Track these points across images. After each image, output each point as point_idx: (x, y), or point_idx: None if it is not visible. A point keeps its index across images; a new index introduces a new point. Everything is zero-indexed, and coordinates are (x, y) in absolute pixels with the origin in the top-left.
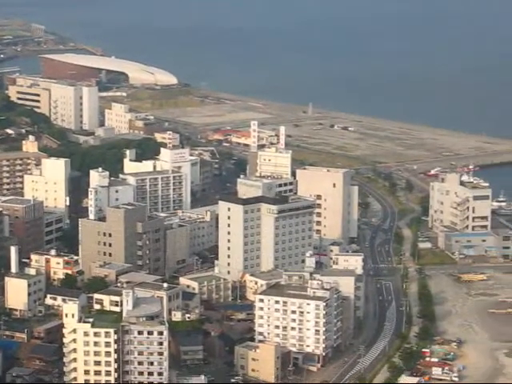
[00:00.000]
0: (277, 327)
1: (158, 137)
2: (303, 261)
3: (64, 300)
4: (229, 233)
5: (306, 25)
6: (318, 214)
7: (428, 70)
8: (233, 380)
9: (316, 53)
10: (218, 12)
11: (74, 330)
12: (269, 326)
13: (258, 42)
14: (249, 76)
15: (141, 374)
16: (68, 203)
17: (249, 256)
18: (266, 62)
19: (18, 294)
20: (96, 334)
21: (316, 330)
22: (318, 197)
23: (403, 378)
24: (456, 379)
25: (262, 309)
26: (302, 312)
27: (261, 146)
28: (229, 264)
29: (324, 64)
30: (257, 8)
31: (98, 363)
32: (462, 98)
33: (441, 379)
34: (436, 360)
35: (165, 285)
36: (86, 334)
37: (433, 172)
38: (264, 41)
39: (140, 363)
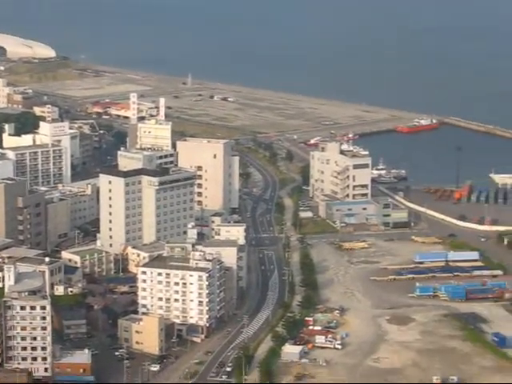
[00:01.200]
0: (160, 299)
1: (37, 110)
2: (185, 232)
3: None
4: (110, 206)
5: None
6: (199, 186)
7: (308, 41)
8: (117, 353)
9: (194, 23)
10: None
11: None
12: (152, 298)
13: (138, 14)
14: (128, 48)
15: (24, 349)
16: None
17: (130, 229)
18: (145, 33)
19: None
20: None
21: (199, 301)
22: (199, 168)
23: (287, 347)
24: (339, 347)
25: (144, 281)
26: (184, 283)
27: (141, 118)
28: (111, 237)
29: (203, 35)
30: None
31: None
32: (340, 68)
33: (324, 347)
34: (319, 328)
35: (46, 259)
36: None
37: (313, 141)
38: (145, 13)
39: (23, 338)
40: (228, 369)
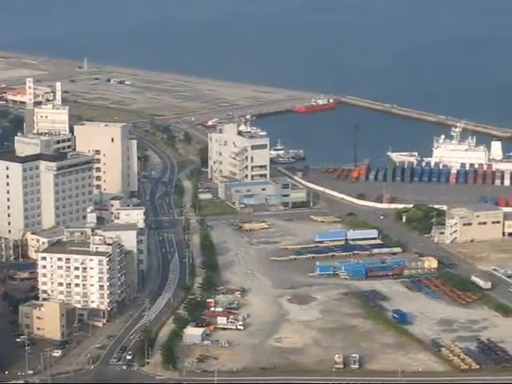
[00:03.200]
0: (61, 284)
1: None
2: (84, 217)
3: None
4: (8, 192)
5: None
6: (98, 169)
7: (202, 19)
8: (18, 339)
9: (88, 4)
10: None
11: None
12: (53, 283)
13: None
14: (22, 31)
15: None
16: None
17: (29, 214)
18: (39, 15)
19: None
20: None
21: (100, 286)
22: (97, 152)
23: (189, 329)
24: (241, 328)
25: (44, 267)
26: (85, 268)
27: (37, 103)
28: (9, 223)
29: (97, 17)
30: None
31: None
32: (234, 47)
33: (226, 328)
34: (221, 310)
35: None
36: None
37: (210, 123)
38: None
39: None
40: (129, 356)
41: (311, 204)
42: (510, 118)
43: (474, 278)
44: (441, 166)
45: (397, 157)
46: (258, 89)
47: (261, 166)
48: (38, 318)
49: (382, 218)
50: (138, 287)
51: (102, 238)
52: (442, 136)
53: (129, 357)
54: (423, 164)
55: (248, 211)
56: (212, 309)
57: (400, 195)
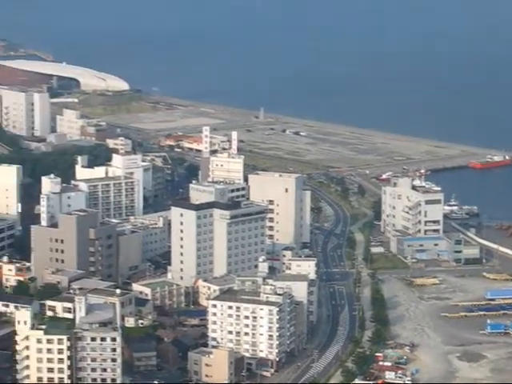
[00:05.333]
0: (230, 332)
1: (110, 143)
2: (256, 266)
3: (16, 307)
4: (181, 238)
5: (254, 28)
6: (271, 219)
7: (379, 73)
8: None
9: (266, 56)
10: (167, 16)
11: (27, 337)
12: (222, 331)
13: (210, 47)
14: (201, 81)
15: (94, 380)
16: (20, 210)
17: (201, 261)
18: (217, 66)
19: None
20: (49, 341)
21: (269, 335)
22: (271, 202)
23: (357, 383)
24: (409, 383)
25: (215, 314)
26: (255, 317)
27: (213, 152)
28: (182, 270)
29: (274, 68)
30: (205, 12)
31: (51, 370)
32: (412, 103)
33: (394, 383)
34: (389, 364)
35: (117, 291)
36: (38, 341)
37: (384, 176)
38: (215, 45)
39: (93, 370)
40: None
41: (484, 261)
42: None
43: None
44: None
45: None
46: (432, 143)
47: (434, 221)
48: (207, 365)
49: None
50: (307, 338)
51: (272, 287)
52: None
53: None
54: None
55: (420, 266)
56: (380, 363)
57: None
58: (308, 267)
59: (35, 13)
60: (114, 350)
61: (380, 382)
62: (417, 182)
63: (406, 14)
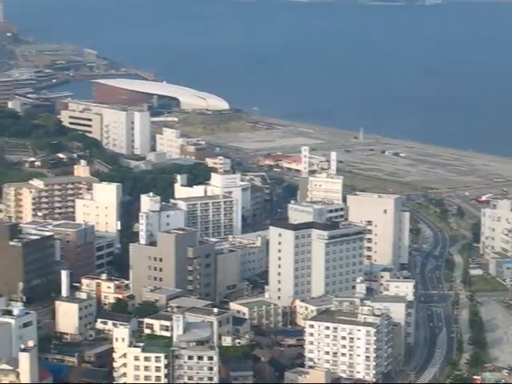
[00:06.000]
0: (327, 353)
1: (210, 162)
2: (354, 287)
3: (115, 324)
4: (279, 258)
5: (355, 48)
6: (369, 240)
7: (480, 93)
8: None
9: (366, 75)
10: (268, 35)
11: (125, 355)
12: (319, 351)
13: (310, 65)
14: (300, 101)
15: None
16: (119, 228)
17: (299, 281)
18: (317, 86)
19: (68, 318)
20: (146, 359)
21: (366, 357)
22: (369, 223)
23: None
24: None
25: (312, 334)
26: (352, 338)
27: (312, 172)
28: (279, 289)
29: (374, 88)
30: (309, 31)
31: None
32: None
33: None
34: None
35: (215, 310)
36: (136, 358)
37: (484, 198)
38: (316, 64)
39: None
40: None
41: None
42: None
43: None
44: None
45: None
46: None
47: None
48: None
49: None
50: (405, 360)
51: (370, 308)
52: None
53: None
54: None
55: None
56: None
57: None
58: (406, 288)
59: (137, 33)
60: (210, 368)
61: None
62: None
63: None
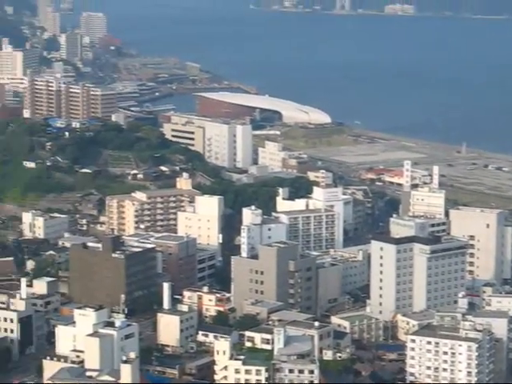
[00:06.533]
0: (428, 368)
1: (311, 175)
2: (455, 301)
3: (216, 337)
4: (381, 272)
5: (454, 61)
6: (471, 255)
7: None
8: None
9: (467, 89)
10: (368, 48)
11: (226, 367)
12: (420, 366)
13: (411, 80)
14: (402, 115)
15: None
16: (221, 240)
17: (401, 296)
18: (419, 100)
19: (170, 330)
20: (247, 372)
21: (468, 372)
22: (471, 237)
23: None
24: None
25: (413, 349)
26: (453, 353)
27: (414, 186)
28: (380, 304)
29: (477, 101)
30: (408, 44)
31: None
32: None
33: None
34: None
35: (316, 323)
36: (237, 371)
37: None
38: (417, 79)
39: None
40: None
41: None
42: None
43: None
44: None
45: None
46: None
47: None
48: None
49: None
50: (506, 376)
51: (472, 323)
52: None
53: None
54: None
55: None
56: None
57: None
58: (508, 304)
59: (240, 47)
60: (311, 382)
61: None
62: None
63: None
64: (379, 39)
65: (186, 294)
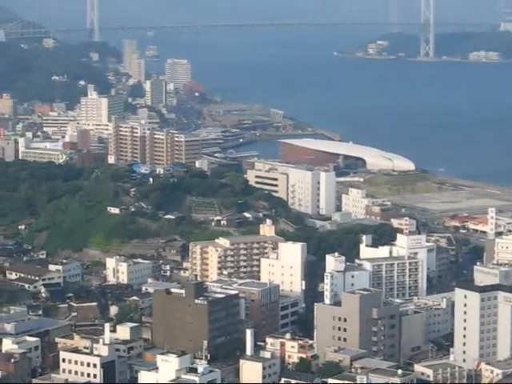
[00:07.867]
0: None
1: (395, 222)
2: None
3: None
4: (465, 320)
5: None
6: None
7: None
8: None
9: None
10: (451, 94)
11: None
12: None
13: (494, 123)
14: (487, 161)
15: None
16: (304, 287)
17: (485, 344)
18: (504, 145)
19: (252, 376)
20: None
21: None
22: None
23: None
24: None
25: None
26: None
27: (498, 233)
28: (464, 352)
29: None
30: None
31: None
32: None
33: None
34: None
35: (399, 371)
36: None
37: None
38: (500, 123)
39: None
40: None
41: None
42: None
43: None
44: None
45: None
46: None
47: None
48: None
49: None
50: None
51: None
52: None
53: None
54: None
55: None
56: None
57: None
58: None
59: (323, 94)
60: None
61: None
62: None
63: None
64: (462, 86)
65: (269, 340)
